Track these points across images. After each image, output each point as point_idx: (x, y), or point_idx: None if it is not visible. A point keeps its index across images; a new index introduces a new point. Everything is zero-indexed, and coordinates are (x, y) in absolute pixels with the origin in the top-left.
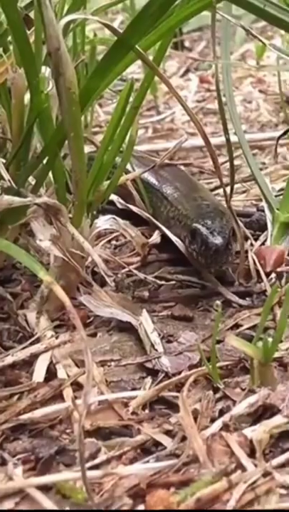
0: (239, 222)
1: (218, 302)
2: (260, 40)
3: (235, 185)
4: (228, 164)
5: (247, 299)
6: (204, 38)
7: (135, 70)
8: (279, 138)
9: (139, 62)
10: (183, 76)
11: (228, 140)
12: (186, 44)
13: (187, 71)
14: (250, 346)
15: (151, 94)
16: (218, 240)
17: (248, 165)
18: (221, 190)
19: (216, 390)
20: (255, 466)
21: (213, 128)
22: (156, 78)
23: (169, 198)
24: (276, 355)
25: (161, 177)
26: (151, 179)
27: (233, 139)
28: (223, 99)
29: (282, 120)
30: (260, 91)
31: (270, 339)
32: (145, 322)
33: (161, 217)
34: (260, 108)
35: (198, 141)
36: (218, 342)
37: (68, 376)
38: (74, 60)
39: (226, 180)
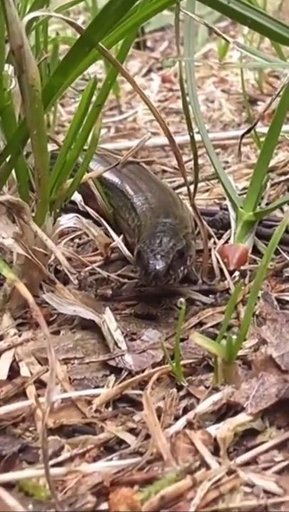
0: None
1: (182, 300)
2: (224, 38)
3: (198, 184)
4: (190, 163)
5: (210, 297)
6: (166, 38)
7: (97, 71)
8: (242, 136)
9: (101, 62)
10: (145, 76)
11: (192, 137)
12: (148, 44)
13: (149, 71)
14: (214, 344)
15: (113, 93)
16: (158, 266)
17: (212, 163)
18: (184, 189)
19: (179, 388)
20: (220, 464)
21: (175, 127)
22: (117, 78)
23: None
24: (240, 353)
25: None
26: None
27: (196, 138)
28: (187, 98)
29: (244, 120)
30: (223, 90)
31: (234, 337)
32: (108, 320)
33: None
34: (222, 107)
35: (161, 140)
36: (182, 340)
37: (31, 374)
38: (37, 58)
39: (189, 179)
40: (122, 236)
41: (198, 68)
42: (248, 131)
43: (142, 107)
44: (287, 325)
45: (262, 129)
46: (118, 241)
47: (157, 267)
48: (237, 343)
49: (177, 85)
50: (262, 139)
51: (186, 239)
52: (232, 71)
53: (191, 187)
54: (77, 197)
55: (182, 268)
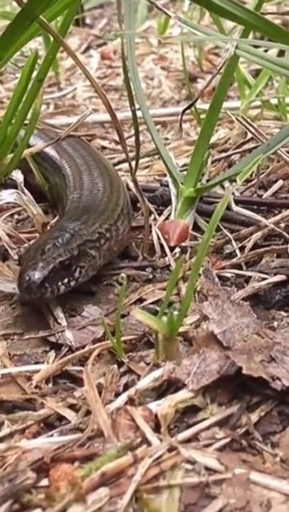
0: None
1: (123, 275)
2: (166, 13)
3: (139, 161)
4: (130, 140)
5: (151, 273)
6: (105, 15)
7: (37, 47)
8: (183, 112)
9: (40, 39)
10: (84, 53)
11: (134, 112)
12: (87, 21)
13: (88, 48)
14: (155, 320)
15: (52, 70)
16: (32, 277)
17: (153, 139)
18: (124, 165)
19: (120, 364)
20: (161, 440)
21: (114, 104)
22: (56, 56)
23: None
24: (181, 329)
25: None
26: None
27: (137, 114)
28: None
29: (184, 97)
30: (162, 68)
31: (175, 313)
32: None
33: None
34: (162, 85)
35: (100, 116)
36: (123, 316)
37: None
38: None
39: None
40: None
41: (138, 46)
42: (189, 106)
43: (81, 84)
44: (228, 301)
45: (202, 105)
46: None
47: (31, 279)
48: (178, 319)
49: (116, 62)
50: (202, 116)
51: (81, 248)
52: (171, 48)
53: (133, 163)
54: (19, 177)
55: (66, 280)
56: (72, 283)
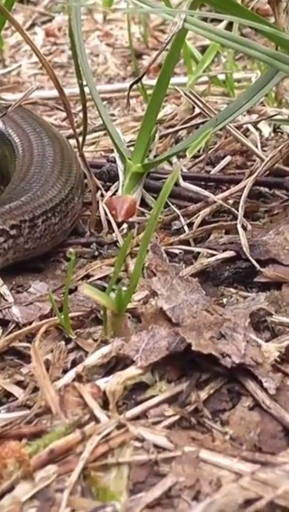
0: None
1: (71, 250)
2: None
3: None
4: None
5: (97, 249)
6: None
7: None
8: (131, 86)
9: None
10: (28, 30)
11: (81, 85)
12: None
13: (33, 25)
14: (103, 296)
15: None
16: None
17: (100, 115)
18: (72, 141)
19: (67, 340)
20: (109, 417)
21: (60, 81)
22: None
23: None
24: (129, 306)
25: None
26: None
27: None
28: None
29: (129, 73)
30: (108, 45)
31: (124, 288)
32: None
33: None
34: (107, 62)
35: (45, 93)
36: (70, 292)
37: None
38: None
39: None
40: None
41: (83, 22)
42: (137, 80)
43: (26, 61)
44: (177, 278)
45: (148, 81)
46: None
47: None
48: (127, 295)
49: (61, 39)
50: (148, 92)
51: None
52: (116, 25)
53: (80, 139)
54: None
55: None
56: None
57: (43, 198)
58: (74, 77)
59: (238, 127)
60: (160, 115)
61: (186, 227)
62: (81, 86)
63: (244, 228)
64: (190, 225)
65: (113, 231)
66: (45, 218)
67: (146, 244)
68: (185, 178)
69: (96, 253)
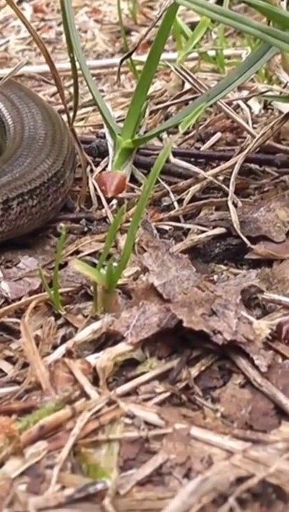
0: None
1: (62, 225)
2: None
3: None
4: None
5: (87, 225)
6: None
7: None
8: (122, 61)
9: None
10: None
11: (72, 58)
12: None
13: (21, 1)
14: (94, 271)
15: None
16: None
17: (90, 90)
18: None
19: (57, 316)
20: (99, 394)
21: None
22: None
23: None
24: (119, 282)
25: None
26: None
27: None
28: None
29: (118, 50)
30: (96, 21)
31: (114, 264)
32: None
33: None
34: (95, 38)
35: (33, 68)
36: (59, 268)
37: None
38: None
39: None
40: None
41: None
42: (127, 56)
43: (13, 37)
44: (168, 254)
45: (137, 57)
46: None
47: None
48: (118, 271)
49: (49, 15)
50: (138, 68)
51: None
52: (105, 1)
53: (70, 114)
54: None
55: None
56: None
57: (32, 173)
58: (62, 53)
59: (229, 104)
60: (150, 91)
61: (176, 204)
62: (72, 60)
63: (235, 205)
64: (180, 201)
65: (103, 207)
66: (38, 193)
67: (138, 219)
68: (175, 154)
69: (85, 229)
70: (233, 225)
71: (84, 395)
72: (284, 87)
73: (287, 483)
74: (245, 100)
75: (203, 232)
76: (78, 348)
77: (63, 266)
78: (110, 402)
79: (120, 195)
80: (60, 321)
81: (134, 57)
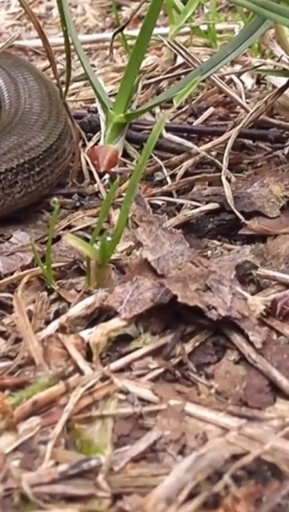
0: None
1: (55, 199)
2: None
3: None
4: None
5: (80, 200)
6: None
7: None
8: (114, 35)
9: None
10: None
11: (65, 32)
12: None
13: None
14: (87, 246)
15: None
16: None
17: (82, 64)
18: None
19: (50, 291)
20: (93, 369)
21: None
22: None
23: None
24: (113, 257)
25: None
26: None
27: (63, 41)
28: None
29: (108, 25)
30: None
31: (108, 238)
32: None
33: None
34: (86, 13)
35: (24, 43)
36: (52, 242)
37: None
38: None
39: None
40: None
41: None
42: (120, 30)
43: (3, 12)
44: (161, 229)
45: (129, 32)
46: None
47: None
48: (111, 245)
49: None
50: (129, 43)
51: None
52: None
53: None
54: None
55: None
56: None
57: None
58: (52, 28)
59: (221, 78)
60: (141, 66)
61: (168, 179)
62: (66, 33)
63: (228, 180)
64: (173, 176)
65: (95, 182)
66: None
67: (131, 194)
68: (168, 129)
69: (78, 204)
70: (227, 200)
71: (77, 370)
72: (278, 61)
73: (282, 461)
74: (239, 75)
75: (196, 207)
76: (71, 323)
77: (56, 240)
78: (104, 378)
79: (113, 170)
80: (52, 296)
81: (125, 31)
